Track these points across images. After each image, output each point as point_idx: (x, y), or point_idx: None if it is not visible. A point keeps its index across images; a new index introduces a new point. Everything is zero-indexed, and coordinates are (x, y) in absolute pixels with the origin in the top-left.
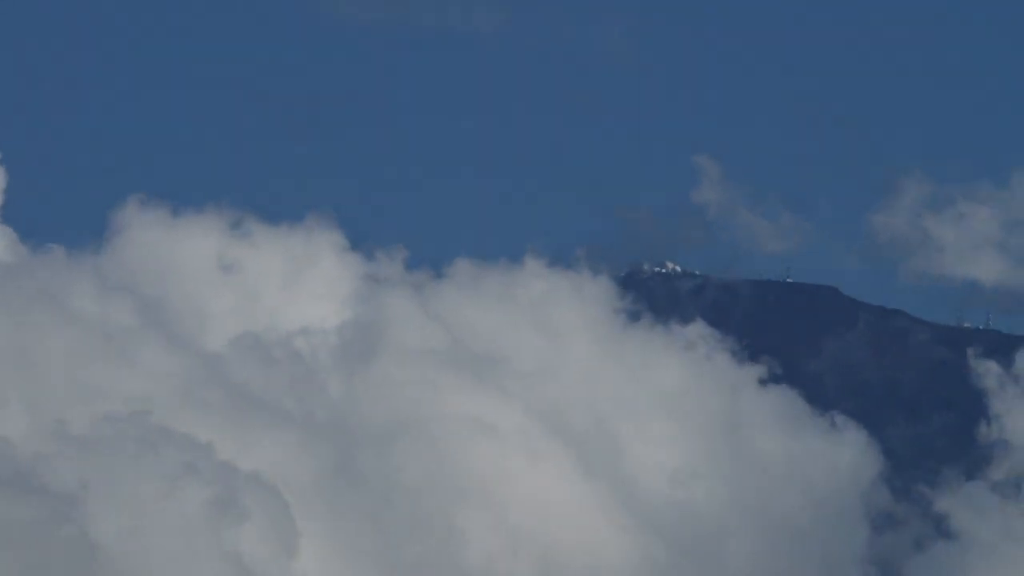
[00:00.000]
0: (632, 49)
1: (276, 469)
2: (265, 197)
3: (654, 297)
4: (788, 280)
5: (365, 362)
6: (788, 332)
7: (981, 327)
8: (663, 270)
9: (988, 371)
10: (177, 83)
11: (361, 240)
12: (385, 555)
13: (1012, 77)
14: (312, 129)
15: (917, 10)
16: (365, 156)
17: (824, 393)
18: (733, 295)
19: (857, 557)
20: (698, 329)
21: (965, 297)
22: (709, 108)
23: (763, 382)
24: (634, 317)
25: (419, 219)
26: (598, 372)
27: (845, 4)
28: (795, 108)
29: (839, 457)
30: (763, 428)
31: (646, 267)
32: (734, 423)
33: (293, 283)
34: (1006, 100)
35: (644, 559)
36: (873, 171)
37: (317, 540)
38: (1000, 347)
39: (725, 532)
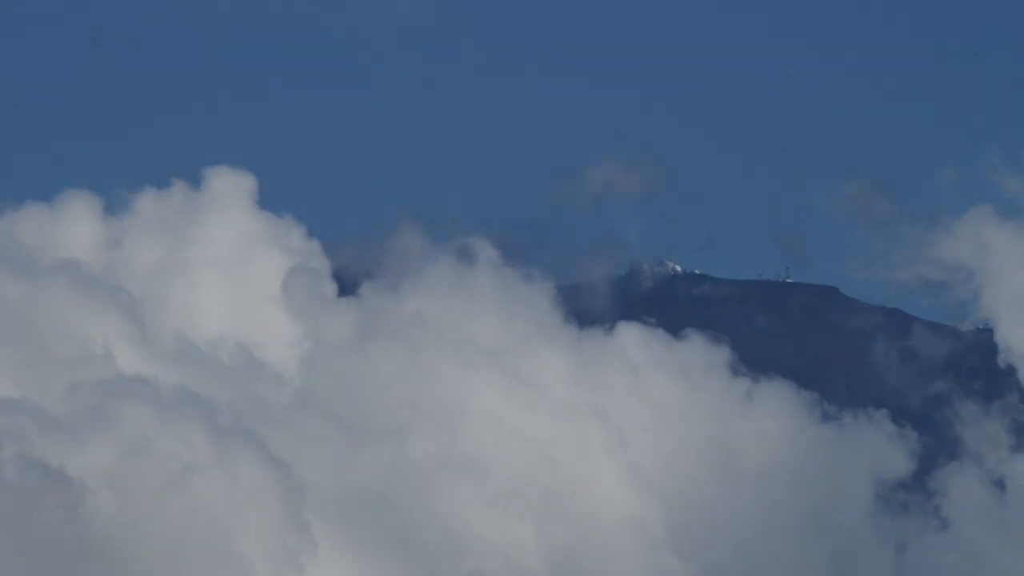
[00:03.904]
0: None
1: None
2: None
3: (652, 296)
4: (788, 280)
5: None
6: (788, 332)
7: (980, 327)
8: (662, 270)
9: (990, 371)
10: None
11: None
12: (388, 544)
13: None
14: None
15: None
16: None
17: (823, 392)
18: (732, 295)
19: (870, 543)
20: (697, 329)
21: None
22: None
23: (762, 381)
24: (631, 317)
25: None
26: (597, 369)
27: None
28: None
29: (842, 455)
30: (764, 427)
31: (645, 267)
32: (733, 422)
33: (230, 273)
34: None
35: (644, 558)
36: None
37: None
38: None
39: (734, 526)
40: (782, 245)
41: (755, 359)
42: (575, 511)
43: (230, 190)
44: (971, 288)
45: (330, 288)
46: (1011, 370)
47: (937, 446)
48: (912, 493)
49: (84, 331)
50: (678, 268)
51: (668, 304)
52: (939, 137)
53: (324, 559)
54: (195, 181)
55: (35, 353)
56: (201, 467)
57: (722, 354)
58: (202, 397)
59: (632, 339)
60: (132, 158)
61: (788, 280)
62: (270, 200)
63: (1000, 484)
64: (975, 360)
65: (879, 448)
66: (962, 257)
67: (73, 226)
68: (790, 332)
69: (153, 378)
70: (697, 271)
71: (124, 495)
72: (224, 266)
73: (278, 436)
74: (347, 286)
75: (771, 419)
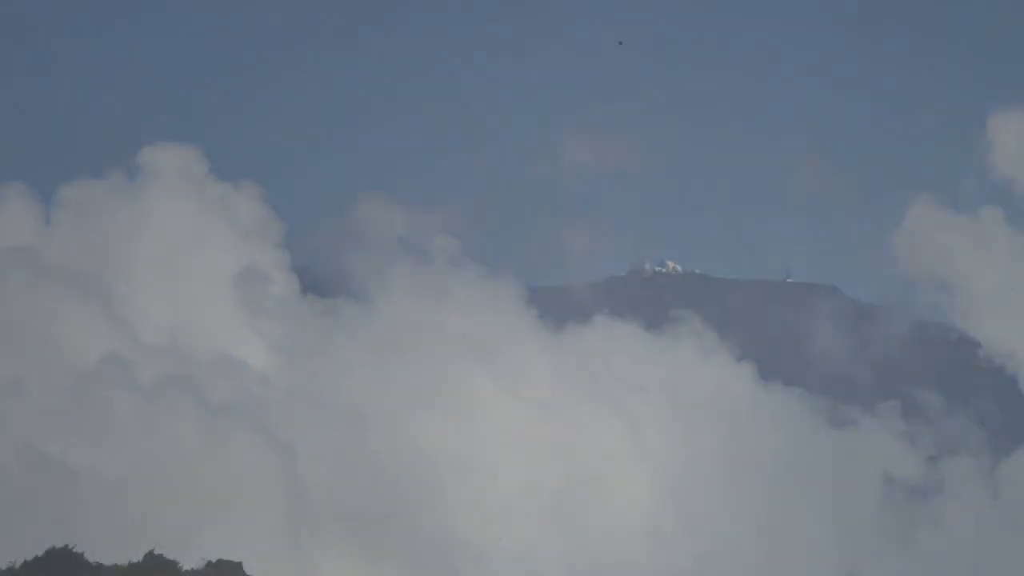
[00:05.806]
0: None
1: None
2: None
3: (653, 296)
4: (788, 280)
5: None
6: (788, 332)
7: (971, 328)
8: (663, 270)
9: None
10: None
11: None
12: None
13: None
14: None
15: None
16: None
17: (823, 390)
18: (733, 295)
19: (875, 532)
20: (697, 329)
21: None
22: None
23: (762, 380)
24: (631, 316)
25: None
26: (595, 368)
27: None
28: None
29: (844, 452)
30: (764, 424)
31: (647, 266)
32: (733, 420)
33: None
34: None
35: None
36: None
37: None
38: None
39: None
40: (776, 245)
41: (757, 358)
42: (581, 509)
43: (177, 171)
44: (964, 289)
45: (295, 286)
46: (1001, 369)
47: (938, 444)
48: (914, 489)
49: (56, 320)
50: (678, 268)
51: (667, 304)
52: (933, 136)
53: (326, 555)
54: (152, 166)
55: (13, 342)
56: (196, 455)
57: (724, 352)
58: (188, 384)
59: (632, 340)
60: (83, 146)
61: (788, 280)
62: (228, 178)
63: (995, 482)
64: (971, 359)
65: (886, 446)
66: (959, 257)
67: (19, 218)
68: (789, 332)
69: (133, 365)
70: (697, 271)
71: (117, 482)
72: (178, 258)
73: (273, 427)
74: (317, 283)
75: (775, 419)
